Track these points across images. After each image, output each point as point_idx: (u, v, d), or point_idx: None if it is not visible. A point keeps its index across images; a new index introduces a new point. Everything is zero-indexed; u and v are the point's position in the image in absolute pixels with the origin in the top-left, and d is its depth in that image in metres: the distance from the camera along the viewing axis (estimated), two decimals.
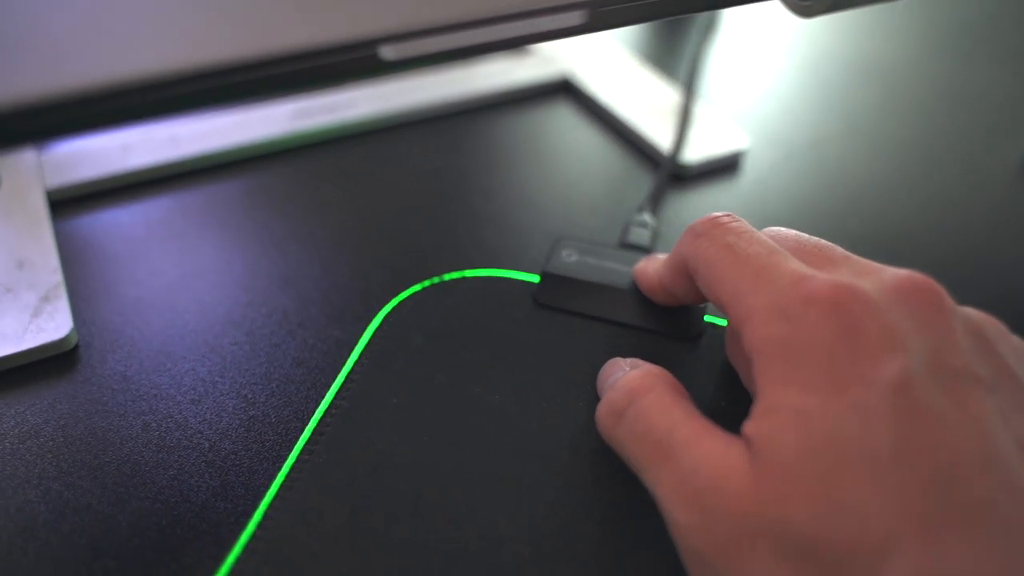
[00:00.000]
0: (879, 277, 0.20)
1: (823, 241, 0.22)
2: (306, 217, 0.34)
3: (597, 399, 0.23)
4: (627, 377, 0.22)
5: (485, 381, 0.26)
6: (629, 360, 0.24)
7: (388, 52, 0.20)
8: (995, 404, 0.18)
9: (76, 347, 0.28)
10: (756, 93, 0.45)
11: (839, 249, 0.22)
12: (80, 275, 0.31)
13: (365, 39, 0.20)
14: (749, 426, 0.19)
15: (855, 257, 0.22)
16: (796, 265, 0.20)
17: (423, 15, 0.20)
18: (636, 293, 0.28)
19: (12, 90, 0.16)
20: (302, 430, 0.25)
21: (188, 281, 0.31)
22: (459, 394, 0.25)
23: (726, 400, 0.25)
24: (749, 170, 0.38)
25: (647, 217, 0.32)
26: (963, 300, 0.28)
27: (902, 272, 0.20)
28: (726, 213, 0.23)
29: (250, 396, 0.27)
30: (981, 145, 0.41)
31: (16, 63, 0.17)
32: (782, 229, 0.23)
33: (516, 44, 0.22)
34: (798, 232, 0.23)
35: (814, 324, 0.19)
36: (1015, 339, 0.21)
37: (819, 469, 0.17)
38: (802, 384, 0.18)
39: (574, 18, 0.23)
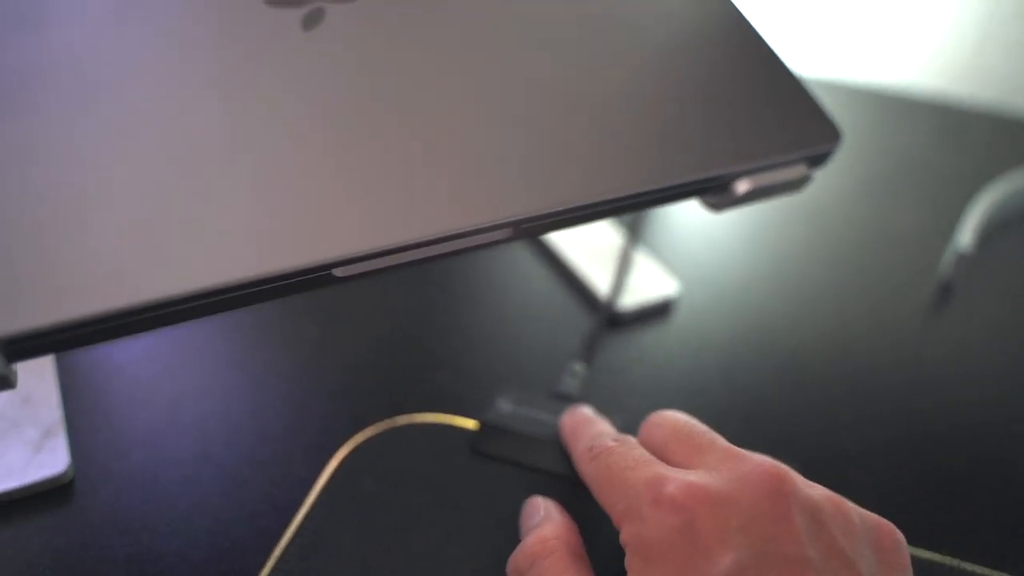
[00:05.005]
0: (732, 466, 0.24)
1: (697, 427, 0.27)
2: (273, 352, 0.39)
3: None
4: (532, 538, 0.26)
5: (425, 525, 0.30)
6: (545, 503, 0.29)
7: (340, 272, 0.25)
8: None
9: (72, 480, 0.32)
10: (691, 235, 0.50)
11: (708, 436, 0.26)
12: (78, 407, 0.35)
13: (321, 264, 0.24)
14: None
15: (721, 445, 0.26)
16: (657, 470, 0.25)
17: (369, 242, 0.25)
18: (560, 444, 0.32)
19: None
20: (263, 566, 0.30)
21: (173, 413, 0.35)
22: (402, 537, 0.29)
23: None
24: (681, 312, 0.43)
25: (578, 367, 0.37)
26: (872, 437, 0.32)
27: (754, 461, 0.24)
28: (615, 438, 0.28)
29: (221, 531, 0.31)
30: (899, 282, 0.46)
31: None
32: (666, 415, 0.28)
33: (451, 256, 0.27)
34: (676, 417, 0.28)
35: (659, 524, 0.23)
36: (854, 516, 0.24)
37: None
38: None
39: (502, 234, 0.27)
